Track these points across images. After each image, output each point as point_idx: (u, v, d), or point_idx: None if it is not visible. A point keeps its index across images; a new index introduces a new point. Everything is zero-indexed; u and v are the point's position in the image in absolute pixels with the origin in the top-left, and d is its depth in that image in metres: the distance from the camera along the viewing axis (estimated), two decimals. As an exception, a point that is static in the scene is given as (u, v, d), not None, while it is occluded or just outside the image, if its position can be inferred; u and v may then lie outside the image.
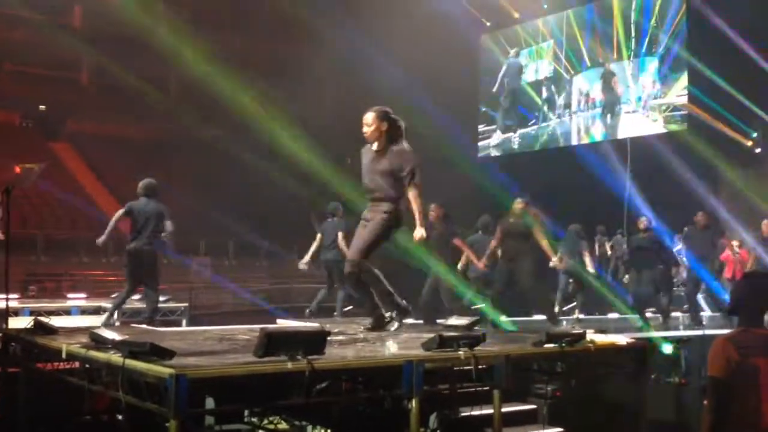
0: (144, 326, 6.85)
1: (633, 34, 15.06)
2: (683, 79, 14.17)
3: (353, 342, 4.91)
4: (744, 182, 13.33)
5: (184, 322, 9.16)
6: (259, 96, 14.89)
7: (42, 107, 23.84)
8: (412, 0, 15.14)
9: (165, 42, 23.18)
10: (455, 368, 4.29)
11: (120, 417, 5.06)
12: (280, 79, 12.91)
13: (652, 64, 14.87)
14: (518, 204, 8.65)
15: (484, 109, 18.03)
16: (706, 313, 10.84)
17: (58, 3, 23.73)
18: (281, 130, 14.84)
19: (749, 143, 14.82)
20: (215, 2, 22.99)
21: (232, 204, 17.11)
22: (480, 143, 17.94)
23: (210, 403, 3.95)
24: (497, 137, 17.75)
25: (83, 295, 11.05)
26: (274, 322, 6.81)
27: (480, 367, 4.18)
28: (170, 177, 19.55)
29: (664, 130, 14.50)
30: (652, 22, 14.74)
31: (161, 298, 10.17)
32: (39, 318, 5.03)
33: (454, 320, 5.82)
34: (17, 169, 10.50)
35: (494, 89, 17.85)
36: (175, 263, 14.48)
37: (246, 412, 5.01)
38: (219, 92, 18.30)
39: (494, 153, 17.77)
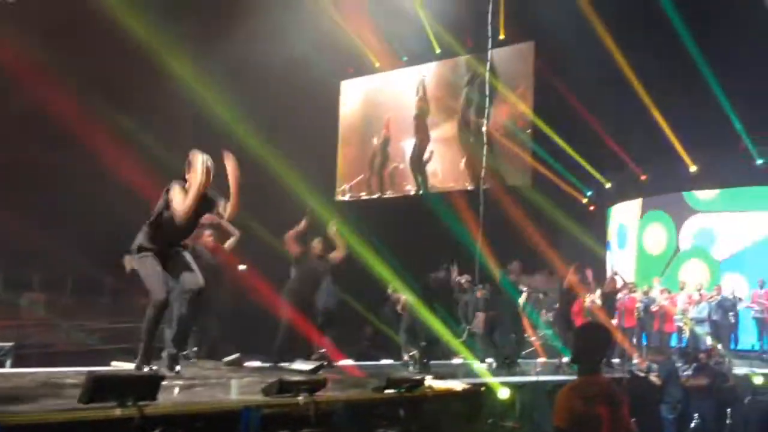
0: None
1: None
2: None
3: (191, 386, 4.73)
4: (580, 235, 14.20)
5: (8, 362, 8.44)
6: (110, 126, 14.29)
7: None
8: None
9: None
10: (296, 414, 4.23)
11: None
12: (132, 111, 12.50)
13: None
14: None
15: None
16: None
17: None
18: (132, 161, 14.20)
19: (584, 200, 15.95)
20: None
21: (75, 236, 16.06)
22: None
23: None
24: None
25: None
26: (108, 365, 6.42)
27: (320, 412, 4.15)
28: (3, 205, 18.21)
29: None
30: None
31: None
32: None
33: (299, 364, 5.78)
34: None
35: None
36: (3, 300, 13.45)
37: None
38: (62, 116, 17.33)
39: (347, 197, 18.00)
